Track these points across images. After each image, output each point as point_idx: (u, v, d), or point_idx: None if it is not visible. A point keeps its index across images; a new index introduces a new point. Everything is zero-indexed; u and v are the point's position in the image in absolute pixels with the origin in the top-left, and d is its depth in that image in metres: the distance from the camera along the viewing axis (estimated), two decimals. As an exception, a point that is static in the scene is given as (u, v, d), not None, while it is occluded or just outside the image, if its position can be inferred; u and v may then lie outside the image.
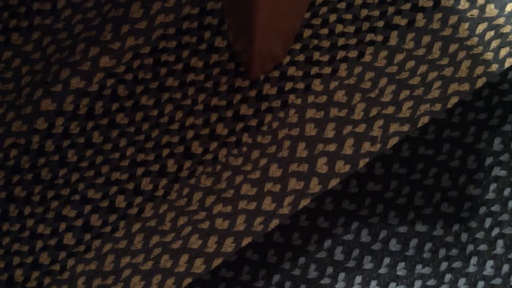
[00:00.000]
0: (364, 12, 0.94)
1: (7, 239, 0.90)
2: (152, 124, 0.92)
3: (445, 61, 0.93)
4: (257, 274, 0.90)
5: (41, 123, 0.92)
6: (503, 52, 0.93)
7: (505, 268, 0.90)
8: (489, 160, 0.92)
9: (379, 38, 0.93)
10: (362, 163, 0.92)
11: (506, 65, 0.93)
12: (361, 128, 0.92)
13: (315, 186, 0.91)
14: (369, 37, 0.93)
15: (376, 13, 0.94)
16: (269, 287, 0.90)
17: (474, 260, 0.90)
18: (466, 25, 0.94)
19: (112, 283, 0.90)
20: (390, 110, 0.92)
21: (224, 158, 0.92)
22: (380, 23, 0.94)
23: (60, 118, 0.92)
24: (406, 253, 0.90)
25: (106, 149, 0.92)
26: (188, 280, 0.90)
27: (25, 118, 0.92)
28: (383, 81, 0.93)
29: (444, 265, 0.90)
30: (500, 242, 0.90)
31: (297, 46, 0.93)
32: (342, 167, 0.91)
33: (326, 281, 0.90)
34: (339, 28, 0.93)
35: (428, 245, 0.90)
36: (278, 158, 0.91)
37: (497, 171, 0.92)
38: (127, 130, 0.92)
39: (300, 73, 0.93)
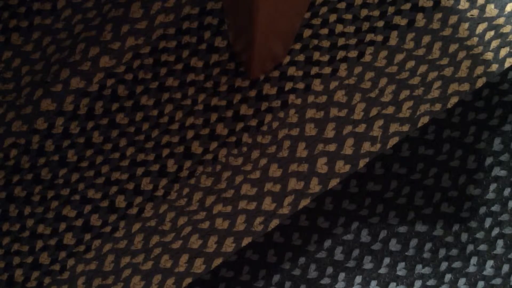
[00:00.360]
0: (364, 12, 0.94)
1: (7, 239, 0.90)
2: (152, 124, 0.92)
3: (445, 61, 0.93)
4: (257, 274, 0.90)
5: (41, 123, 0.92)
6: (503, 52, 0.93)
7: (505, 268, 0.90)
8: (489, 160, 0.92)
9: (379, 38, 0.93)
10: (362, 163, 0.92)
11: (506, 65, 0.93)
12: (361, 128, 0.92)
13: (315, 186, 0.91)
14: (369, 37, 0.93)
15: (376, 13, 0.94)
16: (269, 287, 0.90)
17: (474, 260, 0.90)
18: (466, 25, 0.94)
19: (112, 283, 0.90)
20: (390, 110, 0.92)
21: (224, 158, 0.92)
22: (380, 23, 0.94)
23: (60, 118, 0.92)
24: (406, 253, 0.90)
25: (106, 149, 0.92)
26: (188, 280, 0.90)
27: (25, 118, 0.92)
28: (383, 81, 0.93)
29: (444, 265, 0.90)
30: (500, 242, 0.90)
31: (297, 46, 0.93)
32: (342, 167, 0.91)
33: (326, 281, 0.90)
34: (339, 28, 0.93)
35: (428, 245, 0.90)
36: (278, 158, 0.91)
37: (497, 171, 0.92)
38: (127, 130, 0.92)
39: (300, 73, 0.93)
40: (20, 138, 0.92)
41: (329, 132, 0.92)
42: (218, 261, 0.90)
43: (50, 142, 0.92)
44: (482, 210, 0.91)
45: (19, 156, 0.92)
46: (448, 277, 0.90)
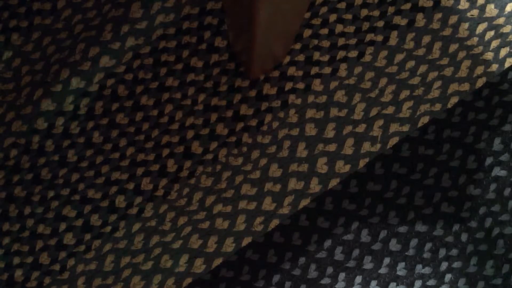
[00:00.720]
0: (364, 12, 0.94)
1: (7, 239, 0.90)
2: (152, 124, 0.92)
3: (445, 61, 0.93)
4: (257, 274, 0.90)
5: (41, 123, 0.92)
6: (503, 52, 0.93)
7: (505, 268, 0.90)
8: (489, 160, 0.92)
9: (379, 38, 0.93)
10: (362, 163, 0.92)
11: (506, 65, 0.93)
12: (361, 128, 0.92)
13: (315, 186, 0.91)
14: (369, 37, 0.93)
15: (376, 13, 0.94)
16: (269, 287, 0.90)
17: (474, 260, 0.90)
18: (466, 25, 0.94)
19: (112, 283, 0.90)
20: (390, 110, 0.92)
21: (224, 158, 0.92)
22: (380, 23, 0.94)
23: (60, 118, 0.92)
24: (406, 253, 0.90)
25: (106, 149, 0.92)
26: (188, 280, 0.90)
27: (25, 118, 0.92)
28: (383, 81, 0.93)
29: (444, 265, 0.90)
30: (500, 242, 0.90)
31: (297, 46, 0.93)
32: (342, 167, 0.91)
33: (326, 281, 0.90)
34: (339, 28, 0.93)
35: (428, 245, 0.90)
36: (278, 158, 0.91)
37: (497, 171, 0.92)
38: (127, 130, 0.92)
39: (300, 73, 0.93)
40: (20, 138, 0.92)
41: (329, 132, 0.92)
42: (218, 261, 0.90)
43: (50, 142, 0.92)
44: (482, 210, 0.91)
45: (19, 156, 0.92)
46: (448, 277, 0.90)
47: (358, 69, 0.93)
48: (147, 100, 0.92)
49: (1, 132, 0.92)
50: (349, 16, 0.94)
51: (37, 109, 0.92)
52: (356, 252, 0.90)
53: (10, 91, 0.93)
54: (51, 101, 0.92)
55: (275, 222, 0.90)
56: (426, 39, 0.93)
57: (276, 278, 0.90)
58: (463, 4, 0.94)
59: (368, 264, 0.90)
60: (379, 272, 0.90)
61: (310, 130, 0.92)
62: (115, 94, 0.93)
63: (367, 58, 0.93)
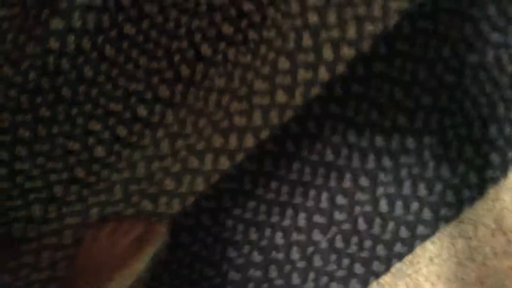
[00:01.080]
0: None
1: (41, 159, 0.95)
2: (159, 31, 0.94)
3: None
4: (278, 164, 0.96)
5: (53, 43, 0.94)
6: None
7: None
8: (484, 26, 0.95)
9: None
10: (366, 45, 0.94)
11: None
12: (362, 10, 0.94)
13: (323, 74, 0.95)
14: None
15: None
16: (290, 173, 0.96)
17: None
18: None
19: (147, 187, 0.96)
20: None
21: (233, 57, 0.95)
22: None
23: (71, 35, 0.94)
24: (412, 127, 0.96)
25: (120, 62, 0.94)
26: (216, 177, 0.96)
27: (37, 39, 0.94)
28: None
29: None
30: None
31: None
32: (347, 51, 0.94)
33: (341, 162, 0.96)
34: None
35: (435, 117, 0.96)
36: (286, 50, 0.94)
37: (494, 37, 0.95)
38: (137, 40, 0.94)
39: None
40: (36, 59, 0.94)
41: (331, 18, 0.94)
42: (240, 156, 0.95)
43: (65, 60, 0.94)
44: (483, 75, 0.95)
45: (38, 78, 0.94)
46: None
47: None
48: (151, 7, 0.94)
49: (16, 57, 0.94)
50: None
51: (47, 29, 0.94)
52: (368, 133, 0.96)
53: (17, 15, 0.94)
54: (59, 19, 0.94)
55: (289, 114, 0.95)
56: None
57: (296, 165, 0.96)
58: None
59: (380, 142, 0.96)
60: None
61: (313, 18, 0.94)
62: (119, 4, 0.94)
63: None
